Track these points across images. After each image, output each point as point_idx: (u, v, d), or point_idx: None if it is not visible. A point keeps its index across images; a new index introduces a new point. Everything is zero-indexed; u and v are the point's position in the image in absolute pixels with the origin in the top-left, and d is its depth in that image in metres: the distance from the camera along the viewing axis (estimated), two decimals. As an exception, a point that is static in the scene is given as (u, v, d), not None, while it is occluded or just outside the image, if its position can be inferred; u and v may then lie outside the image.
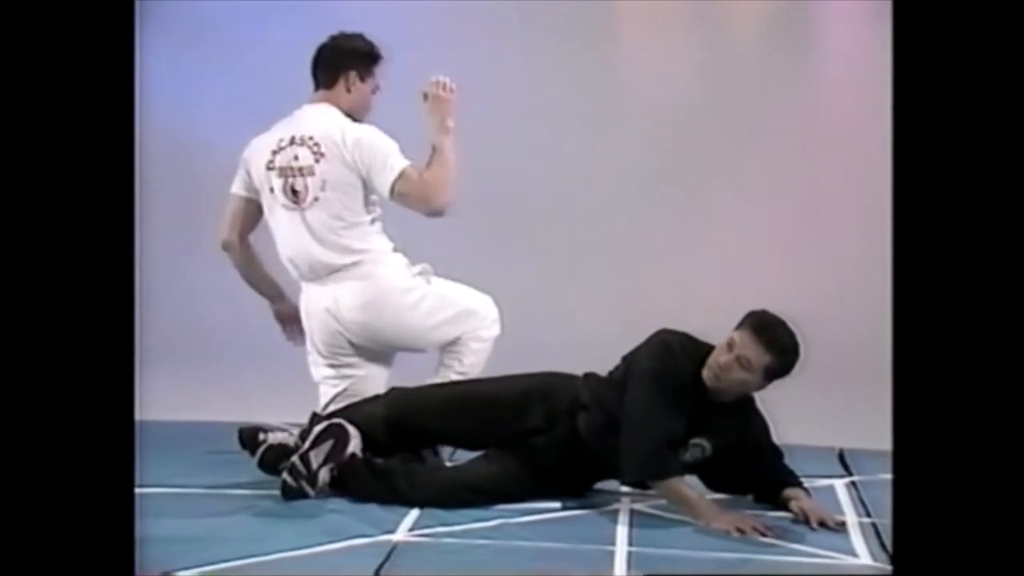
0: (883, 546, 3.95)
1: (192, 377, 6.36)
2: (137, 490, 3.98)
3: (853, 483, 4.69)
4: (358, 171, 4.51)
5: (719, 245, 7.57)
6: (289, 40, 7.48)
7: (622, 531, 4.06)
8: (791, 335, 4.21)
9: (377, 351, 4.66)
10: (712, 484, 4.39)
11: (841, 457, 5.00)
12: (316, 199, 4.52)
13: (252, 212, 4.72)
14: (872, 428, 5.17)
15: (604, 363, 4.43)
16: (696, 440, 4.24)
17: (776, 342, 4.17)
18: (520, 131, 7.44)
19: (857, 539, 4.05)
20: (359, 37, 4.71)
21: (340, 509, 4.19)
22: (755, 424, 4.35)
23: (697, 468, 4.32)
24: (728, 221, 7.59)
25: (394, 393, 4.50)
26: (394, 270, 4.61)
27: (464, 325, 4.65)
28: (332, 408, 4.58)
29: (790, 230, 7.59)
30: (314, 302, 4.65)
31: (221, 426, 5.17)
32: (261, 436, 4.37)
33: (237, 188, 4.74)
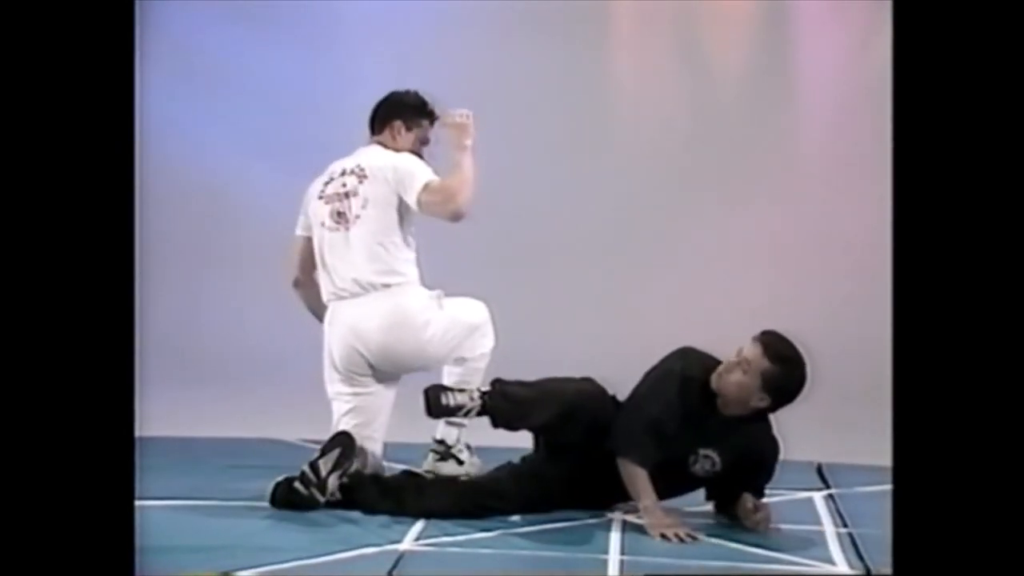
0: (859, 555, 4.17)
1: (202, 394, 6.47)
2: (152, 502, 4.24)
3: (831, 495, 4.90)
4: (395, 188, 4.79)
5: (715, 260, 7.62)
6: (288, 67, 7.69)
7: (615, 540, 4.27)
8: (794, 351, 4.42)
9: (388, 372, 4.88)
10: (722, 506, 4.60)
11: (820, 471, 5.20)
12: (358, 217, 4.78)
13: (308, 250, 4.98)
14: (852, 443, 5.44)
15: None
16: (706, 451, 4.45)
17: (776, 351, 4.39)
18: (520, 147, 7.53)
19: (835, 549, 4.27)
20: (410, 92, 5.04)
21: (350, 520, 4.40)
22: (766, 440, 4.52)
23: (709, 482, 4.54)
24: (725, 235, 7.64)
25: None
26: (419, 301, 4.84)
27: (468, 340, 4.91)
28: (343, 425, 4.75)
29: (786, 250, 7.63)
30: (339, 319, 4.84)
31: (233, 441, 5.40)
32: (444, 399, 4.60)
33: (299, 230, 5.01)
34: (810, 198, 7.65)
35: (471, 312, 4.95)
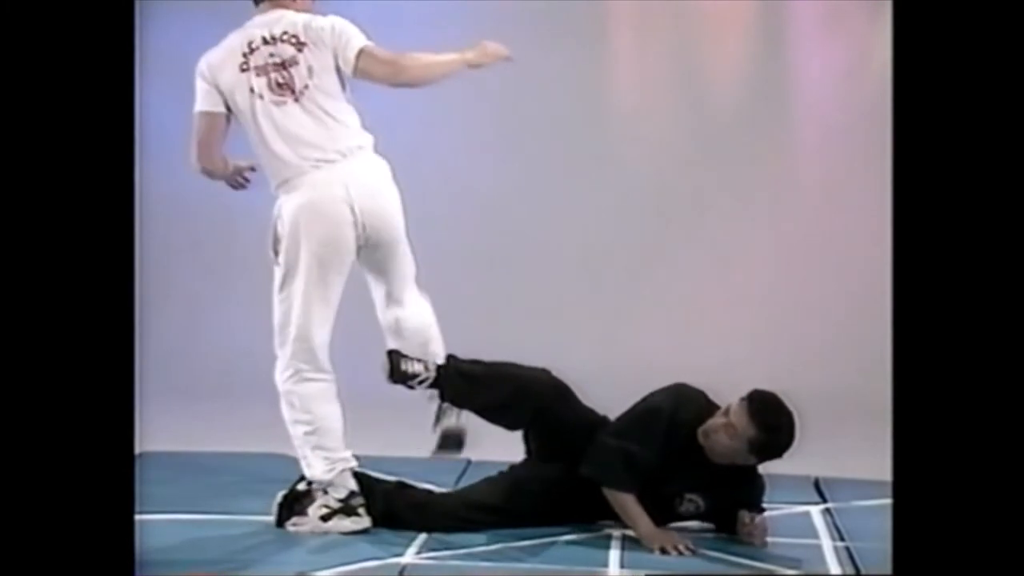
0: (856, 569, 4.24)
1: (204, 408, 6.51)
2: (153, 516, 4.28)
3: (828, 510, 4.93)
4: (333, 49, 4.57)
5: (712, 274, 7.60)
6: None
7: (614, 555, 4.33)
8: (782, 417, 4.41)
9: (368, 246, 4.60)
10: (719, 524, 4.63)
11: (817, 485, 5.23)
12: (306, 86, 4.54)
13: (224, 127, 4.63)
14: (849, 457, 5.47)
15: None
16: (691, 496, 4.50)
17: (764, 420, 4.37)
18: (515, 157, 7.53)
19: (832, 563, 4.32)
20: None
21: (351, 533, 4.45)
22: (751, 482, 4.57)
23: (693, 518, 4.59)
24: (723, 249, 7.61)
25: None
26: (384, 163, 4.67)
27: None
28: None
29: (785, 263, 7.59)
30: (323, 192, 4.51)
31: (236, 456, 5.43)
32: (403, 365, 4.57)
33: (207, 106, 4.61)
34: (810, 211, 7.63)
35: None
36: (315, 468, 4.56)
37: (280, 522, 4.54)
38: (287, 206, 4.55)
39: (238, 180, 4.78)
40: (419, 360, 4.61)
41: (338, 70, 4.57)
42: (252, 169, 4.72)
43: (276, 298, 4.60)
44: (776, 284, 7.51)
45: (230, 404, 6.45)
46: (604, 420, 4.62)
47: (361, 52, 4.54)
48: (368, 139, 4.64)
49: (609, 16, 7.93)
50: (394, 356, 4.60)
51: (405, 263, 4.74)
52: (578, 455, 4.48)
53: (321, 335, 4.58)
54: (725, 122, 7.69)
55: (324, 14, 4.65)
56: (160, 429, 5.29)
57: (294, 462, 4.65)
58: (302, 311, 4.54)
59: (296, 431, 4.60)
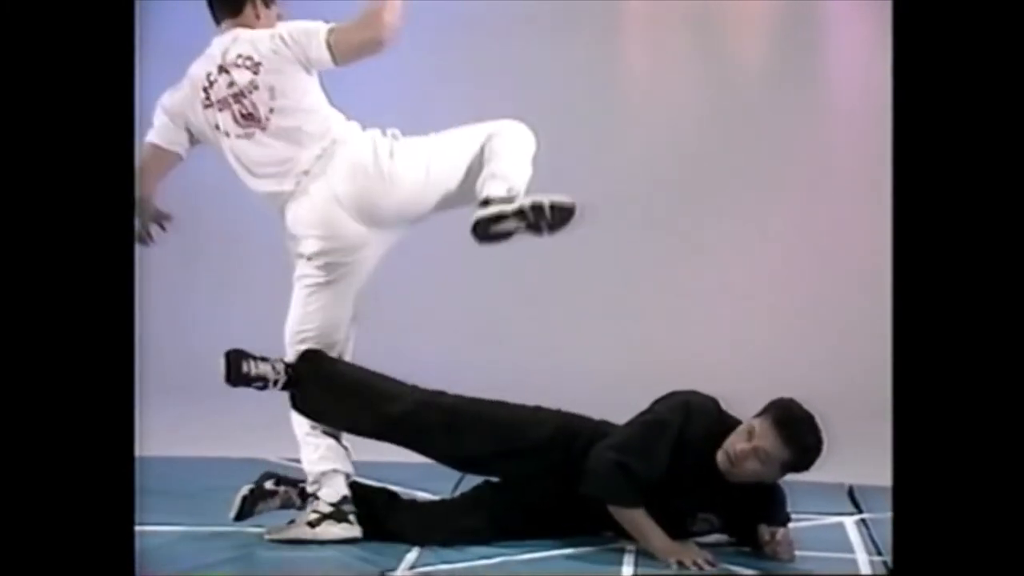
0: (895, 584, 3.97)
1: (195, 412, 6.43)
2: (141, 527, 4.08)
3: (863, 520, 4.70)
4: (296, 56, 4.36)
5: (721, 273, 7.64)
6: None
7: (627, 571, 4.07)
8: (815, 432, 4.16)
9: (376, 227, 4.42)
10: (740, 538, 4.36)
11: (851, 494, 5.01)
12: (272, 110, 4.36)
13: (171, 163, 4.57)
14: (885, 463, 5.23)
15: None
16: (705, 515, 4.22)
17: (797, 439, 4.12)
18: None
19: (867, 576, 4.12)
20: None
21: (344, 545, 4.21)
22: (774, 501, 4.28)
23: (708, 534, 4.31)
24: (729, 248, 7.67)
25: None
26: (369, 138, 4.43)
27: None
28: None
29: (792, 265, 7.65)
30: (313, 200, 4.36)
31: (223, 462, 5.29)
32: (245, 367, 4.32)
33: (157, 138, 4.54)
34: (820, 212, 7.68)
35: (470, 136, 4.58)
36: (309, 457, 4.35)
37: (240, 517, 4.34)
38: (288, 217, 4.43)
39: (155, 226, 4.68)
40: (264, 359, 4.33)
41: (306, 72, 4.37)
42: (167, 221, 4.66)
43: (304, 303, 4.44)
44: (780, 285, 7.58)
45: (229, 405, 6.29)
46: (582, 421, 4.33)
47: (331, 38, 4.31)
48: (342, 128, 4.42)
49: (623, 6, 8.01)
50: (234, 356, 4.31)
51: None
52: (561, 468, 4.18)
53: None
54: (726, 127, 7.76)
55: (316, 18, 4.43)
56: (158, 430, 5.19)
57: (273, 467, 4.57)
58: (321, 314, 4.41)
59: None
